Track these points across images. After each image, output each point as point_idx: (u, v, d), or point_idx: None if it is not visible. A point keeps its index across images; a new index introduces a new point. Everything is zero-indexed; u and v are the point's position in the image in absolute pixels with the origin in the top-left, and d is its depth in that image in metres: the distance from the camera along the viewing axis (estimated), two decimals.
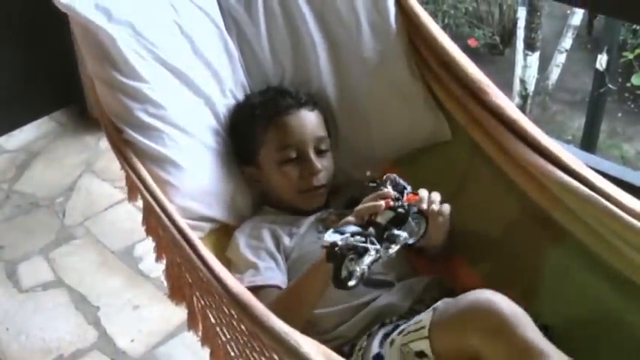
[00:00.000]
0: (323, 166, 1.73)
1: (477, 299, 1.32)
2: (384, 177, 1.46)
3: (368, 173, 1.48)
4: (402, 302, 1.57)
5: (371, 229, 1.34)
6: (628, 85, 3.64)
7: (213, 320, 1.51)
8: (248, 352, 1.38)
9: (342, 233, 1.30)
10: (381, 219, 1.37)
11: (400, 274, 1.66)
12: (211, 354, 1.62)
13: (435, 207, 1.50)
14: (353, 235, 1.30)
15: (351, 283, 1.30)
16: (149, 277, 2.57)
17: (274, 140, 1.73)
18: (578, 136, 3.30)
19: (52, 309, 2.52)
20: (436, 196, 1.51)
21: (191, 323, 1.63)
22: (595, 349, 1.46)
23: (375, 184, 1.45)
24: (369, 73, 1.83)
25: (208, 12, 1.81)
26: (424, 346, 1.33)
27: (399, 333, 1.41)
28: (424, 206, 1.47)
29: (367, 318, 1.56)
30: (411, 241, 1.43)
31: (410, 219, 1.41)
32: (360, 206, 1.42)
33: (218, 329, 1.50)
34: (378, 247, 1.32)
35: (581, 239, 1.46)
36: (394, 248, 1.36)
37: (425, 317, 1.37)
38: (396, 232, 1.37)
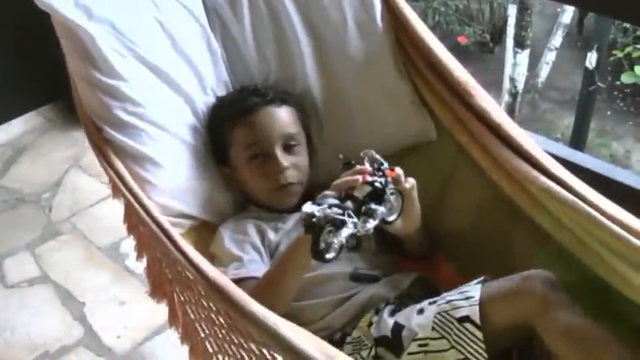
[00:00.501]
0: (292, 163, 1.71)
1: (546, 274, 1.37)
2: (362, 153, 1.45)
3: (341, 156, 1.47)
4: (387, 294, 1.57)
5: (349, 203, 1.34)
6: (617, 83, 3.65)
7: (192, 316, 1.51)
8: (227, 345, 1.38)
9: (319, 205, 1.30)
10: (358, 193, 1.37)
11: (386, 272, 1.65)
12: (190, 351, 1.62)
13: (408, 185, 1.50)
14: (330, 207, 1.30)
15: (329, 255, 1.30)
16: (135, 273, 2.56)
17: (241, 139, 1.72)
18: (568, 135, 3.30)
19: (37, 305, 2.52)
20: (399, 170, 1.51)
21: (172, 320, 1.63)
22: None
23: (350, 165, 1.45)
24: (355, 72, 1.82)
25: (192, 10, 1.80)
26: (471, 312, 1.34)
27: (431, 303, 1.41)
28: (401, 182, 1.47)
29: (353, 308, 1.56)
30: (390, 218, 1.44)
31: (388, 194, 1.41)
32: (337, 180, 1.42)
33: (197, 325, 1.50)
34: (355, 220, 1.32)
35: (563, 244, 1.47)
36: (372, 223, 1.36)
37: (472, 289, 1.38)
38: (373, 206, 1.37)
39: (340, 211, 1.31)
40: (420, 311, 1.42)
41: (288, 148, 1.72)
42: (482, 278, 1.42)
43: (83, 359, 2.33)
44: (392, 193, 1.43)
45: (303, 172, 1.75)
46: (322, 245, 1.29)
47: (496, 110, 1.60)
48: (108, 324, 2.44)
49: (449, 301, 1.38)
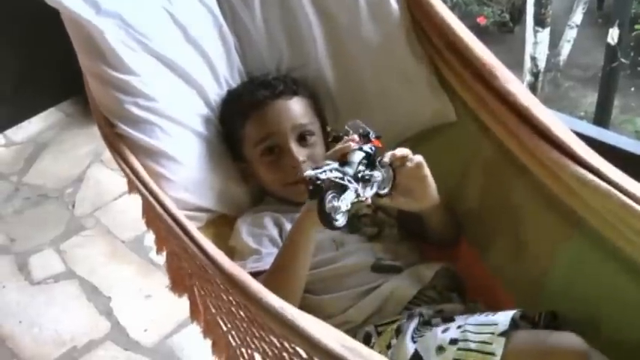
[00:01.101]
0: (307, 155, 1.68)
1: (572, 345, 1.29)
2: (347, 124, 1.44)
3: (329, 129, 1.46)
4: (411, 286, 1.54)
5: (347, 168, 1.33)
6: None
7: (213, 310, 1.50)
8: (249, 339, 1.37)
9: (321, 169, 1.29)
10: (352, 158, 1.36)
11: (409, 261, 1.63)
12: (213, 345, 1.61)
13: (398, 152, 1.46)
14: (332, 170, 1.29)
15: (337, 221, 1.28)
16: (160, 266, 2.54)
17: (252, 135, 1.70)
18: (591, 112, 3.26)
19: (64, 301, 2.53)
20: (402, 149, 1.48)
21: (193, 314, 1.62)
22: (613, 340, 1.42)
23: (339, 137, 1.43)
24: (369, 54, 1.79)
25: None
26: None
27: (452, 343, 1.35)
28: (386, 157, 1.44)
29: (376, 301, 1.53)
30: (386, 189, 1.43)
31: (378, 164, 1.40)
32: (329, 152, 1.41)
33: (218, 319, 1.49)
34: (356, 185, 1.31)
35: (596, 229, 1.41)
36: (370, 191, 1.36)
37: (495, 342, 1.30)
38: (369, 172, 1.36)
39: (340, 175, 1.30)
40: (440, 349, 1.35)
41: (302, 140, 1.69)
42: (510, 320, 1.34)
43: (111, 354, 2.34)
44: (382, 165, 1.42)
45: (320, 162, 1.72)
46: (328, 207, 1.26)
47: (522, 93, 1.53)
48: (134, 318, 2.45)
49: (469, 349, 1.32)
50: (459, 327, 1.37)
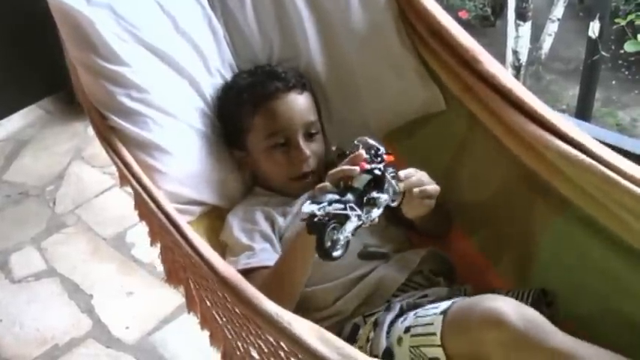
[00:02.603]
0: (312, 151, 1.69)
1: (489, 311, 1.24)
2: (356, 141, 1.41)
3: (334, 148, 1.44)
4: (398, 274, 1.55)
5: (349, 196, 1.28)
6: (621, 52, 3.60)
7: (208, 303, 1.50)
8: (244, 335, 1.36)
9: (319, 203, 1.24)
10: (357, 183, 1.32)
11: (396, 246, 1.64)
12: (211, 336, 1.60)
13: (414, 179, 1.44)
14: (331, 203, 1.25)
15: (336, 252, 1.24)
16: (142, 263, 2.56)
17: (262, 127, 1.69)
18: (573, 105, 3.26)
19: (45, 299, 2.52)
20: (422, 175, 1.46)
21: (190, 306, 1.62)
22: (598, 316, 1.45)
23: (345, 155, 1.40)
24: (358, 45, 1.79)
25: None
26: (439, 353, 1.28)
27: (406, 331, 1.36)
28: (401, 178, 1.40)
29: (364, 291, 1.54)
30: (393, 204, 1.39)
31: (388, 179, 1.36)
32: (333, 170, 1.37)
33: (214, 312, 1.49)
34: (358, 212, 1.27)
35: (582, 207, 1.43)
36: (377, 212, 1.31)
37: (435, 321, 1.31)
38: (375, 194, 1.31)
39: (342, 206, 1.25)
40: (399, 340, 1.36)
41: (308, 136, 1.70)
42: (455, 299, 1.35)
43: (92, 351, 2.33)
44: (393, 177, 1.38)
45: (320, 159, 1.72)
46: (328, 244, 1.23)
47: (505, 75, 1.56)
48: (116, 315, 2.43)
49: (417, 334, 1.32)
50: (415, 313, 1.38)
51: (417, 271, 1.56)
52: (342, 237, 1.24)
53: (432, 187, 1.46)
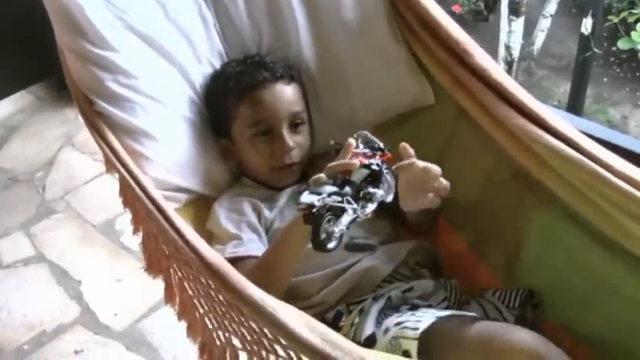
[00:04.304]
0: (296, 142, 1.69)
1: (504, 339, 1.25)
2: (355, 135, 1.40)
3: (332, 142, 1.43)
4: (384, 265, 1.55)
5: (347, 189, 1.29)
6: (614, 49, 3.61)
7: (190, 292, 1.48)
8: (227, 323, 1.35)
9: (318, 194, 1.25)
10: (355, 178, 1.32)
11: (383, 238, 1.63)
12: (188, 328, 1.59)
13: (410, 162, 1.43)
14: (330, 195, 1.25)
15: (331, 245, 1.25)
16: (131, 250, 2.55)
17: (246, 115, 1.68)
18: (565, 102, 3.27)
19: (33, 285, 2.51)
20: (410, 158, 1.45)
21: (168, 297, 1.61)
22: (582, 315, 1.45)
23: (341, 149, 1.40)
24: (349, 37, 1.78)
25: None
26: (411, 347, 1.29)
27: (396, 324, 1.36)
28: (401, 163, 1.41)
29: (349, 281, 1.54)
30: (388, 199, 1.38)
31: (384, 175, 1.36)
32: (332, 163, 1.36)
33: (196, 301, 1.48)
34: (355, 206, 1.28)
35: (569, 203, 1.43)
36: (371, 207, 1.32)
37: (426, 320, 1.32)
38: (371, 190, 1.32)
39: (339, 199, 1.26)
40: (386, 331, 1.37)
41: (293, 127, 1.70)
42: (443, 314, 1.36)
43: (80, 338, 2.32)
44: (387, 173, 1.38)
45: (305, 151, 1.72)
46: (323, 236, 1.24)
47: (496, 69, 1.55)
48: (104, 302, 2.43)
49: (404, 327, 1.33)
50: (413, 314, 1.39)
51: (402, 263, 1.57)
52: (337, 229, 1.25)
53: (445, 182, 1.46)
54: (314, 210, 1.23)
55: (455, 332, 1.31)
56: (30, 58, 3.22)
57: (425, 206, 1.48)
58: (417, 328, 1.30)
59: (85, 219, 2.72)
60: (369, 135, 1.41)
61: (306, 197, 1.24)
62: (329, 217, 1.24)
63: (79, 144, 3.04)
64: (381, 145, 1.39)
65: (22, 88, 3.34)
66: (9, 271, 2.56)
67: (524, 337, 1.25)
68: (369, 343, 1.37)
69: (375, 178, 1.34)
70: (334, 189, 1.28)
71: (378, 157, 1.37)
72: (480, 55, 1.58)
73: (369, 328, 1.39)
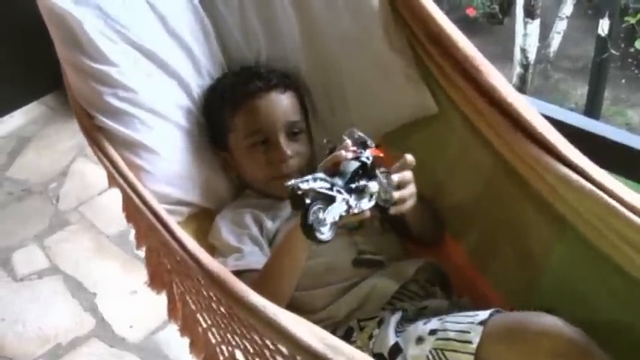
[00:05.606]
0: (295, 151, 1.66)
1: (545, 323, 1.27)
2: (345, 132, 1.39)
3: (325, 141, 1.42)
4: (393, 282, 1.52)
5: (337, 179, 1.28)
6: (631, 50, 3.59)
7: (192, 306, 1.48)
8: (230, 336, 1.35)
9: (306, 181, 1.23)
10: (344, 168, 1.31)
11: (391, 255, 1.61)
12: (191, 344, 1.59)
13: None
14: (316, 180, 1.24)
15: (322, 235, 1.23)
16: None
17: (242, 125, 1.67)
18: (582, 104, 3.26)
19: (48, 297, 2.50)
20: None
21: (171, 312, 1.61)
22: (609, 338, 1.38)
23: (335, 148, 1.38)
24: (345, 47, 1.74)
25: None
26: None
27: (432, 333, 1.34)
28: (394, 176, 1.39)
29: (357, 297, 1.51)
30: (388, 199, 1.37)
31: (377, 172, 1.34)
32: (322, 162, 1.35)
33: (198, 315, 1.47)
34: (346, 197, 1.26)
35: (584, 233, 1.39)
36: (367, 202, 1.30)
37: (472, 330, 1.29)
38: (363, 182, 1.30)
39: (327, 185, 1.25)
40: (419, 340, 1.35)
41: (291, 136, 1.68)
42: (492, 310, 1.34)
43: (96, 350, 2.31)
44: (382, 172, 1.36)
45: (305, 161, 1.69)
46: (311, 219, 1.21)
47: (506, 88, 1.49)
48: (120, 314, 2.42)
49: (447, 338, 1.31)
50: (440, 319, 1.37)
51: (412, 280, 1.54)
52: (327, 217, 1.23)
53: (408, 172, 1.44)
54: (299, 192, 1.21)
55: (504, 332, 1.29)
56: (40, 68, 3.21)
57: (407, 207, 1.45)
58: (468, 341, 1.28)
59: (99, 230, 2.72)
60: (358, 131, 1.39)
61: (291, 181, 1.22)
62: (318, 204, 1.22)
63: (92, 154, 2.99)
64: (370, 140, 1.38)
65: (35, 99, 3.34)
66: (23, 283, 2.56)
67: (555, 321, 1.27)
68: (394, 352, 1.36)
69: (367, 172, 1.33)
70: (322, 175, 1.26)
71: (368, 151, 1.35)
72: (488, 72, 1.52)
73: (391, 338, 1.38)
